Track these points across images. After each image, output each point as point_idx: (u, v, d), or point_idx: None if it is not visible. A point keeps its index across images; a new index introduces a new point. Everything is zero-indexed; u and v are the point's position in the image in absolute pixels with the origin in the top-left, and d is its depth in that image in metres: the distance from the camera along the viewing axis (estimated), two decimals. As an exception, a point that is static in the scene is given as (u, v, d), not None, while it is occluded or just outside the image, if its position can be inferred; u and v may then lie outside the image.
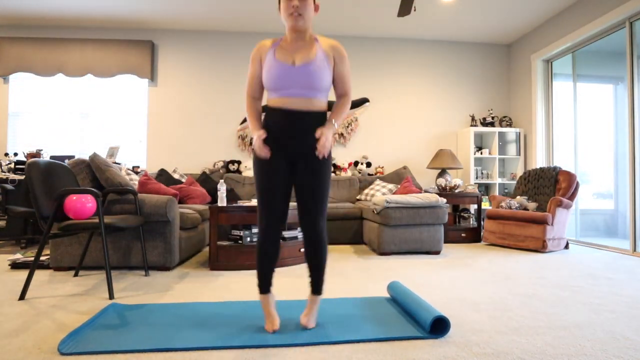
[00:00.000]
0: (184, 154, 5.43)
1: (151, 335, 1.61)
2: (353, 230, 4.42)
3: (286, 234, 3.29)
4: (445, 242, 4.53)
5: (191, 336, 1.60)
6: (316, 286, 1.75)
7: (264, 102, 4.66)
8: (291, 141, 1.65)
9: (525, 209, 4.23)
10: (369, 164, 5.51)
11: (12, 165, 4.26)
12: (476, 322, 1.80)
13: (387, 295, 2.25)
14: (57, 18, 5.07)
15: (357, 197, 5.01)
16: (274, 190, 1.64)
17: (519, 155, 5.47)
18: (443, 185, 4.79)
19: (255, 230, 3.18)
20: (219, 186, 3.26)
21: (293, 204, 3.33)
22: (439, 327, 1.67)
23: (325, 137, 1.57)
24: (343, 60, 1.70)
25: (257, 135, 1.60)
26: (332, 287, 2.46)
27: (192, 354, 1.44)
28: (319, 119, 1.67)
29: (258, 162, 1.67)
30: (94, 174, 2.95)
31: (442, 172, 5.12)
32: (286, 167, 1.67)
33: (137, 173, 4.73)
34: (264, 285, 1.72)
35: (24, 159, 4.42)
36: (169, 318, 1.83)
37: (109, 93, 5.39)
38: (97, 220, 2.26)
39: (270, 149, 1.65)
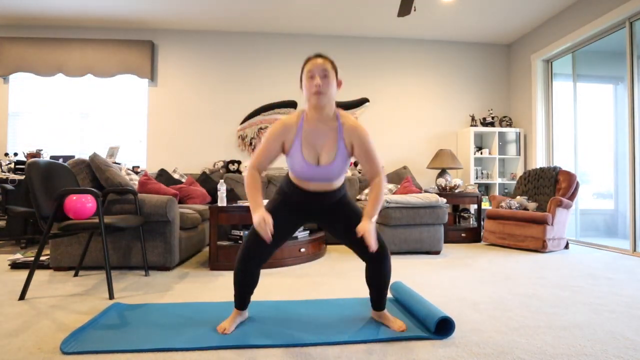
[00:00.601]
0: (184, 154, 5.43)
1: (152, 335, 1.62)
2: (353, 230, 4.41)
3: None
4: (445, 242, 4.53)
5: (191, 336, 1.60)
6: (380, 305, 1.80)
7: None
8: (309, 208, 1.77)
9: (525, 209, 4.23)
10: (369, 164, 5.51)
11: (12, 165, 4.26)
12: (476, 322, 1.80)
13: (388, 296, 2.25)
14: (57, 18, 5.07)
15: (357, 197, 5.01)
16: (268, 241, 1.60)
17: (519, 155, 5.47)
18: (443, 185, 4.79)
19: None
20: (219, 186, 3.26)
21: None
22: (443, 327, 1.67)
23: (369, 233, 1.57)
24: (363, 142, 1.66)
25: (260, 216, 1.55)
26: (333, 288, 2.46)
27: (193, 354, 1.44)
28: (336, 193, 1.78)
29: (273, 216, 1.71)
30: (94, 174, 2.95)
31: (442, 172, 5.12)
32: (294, 221, 1.77)
33: (137, 173, 4.73)
34: (240, 305, 1.76)
35: (24, 159, 4.42)
36: (170, 318, 1.84)
37: (109, 93, 5.39)
38: (97, 220, 2.26)
39: (284, 209, 1.75)
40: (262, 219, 1.54)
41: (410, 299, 1.91)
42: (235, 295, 1.74)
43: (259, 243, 1.68)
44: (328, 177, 1.69)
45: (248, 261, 1.68)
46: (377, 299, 1.78)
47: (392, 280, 2.66)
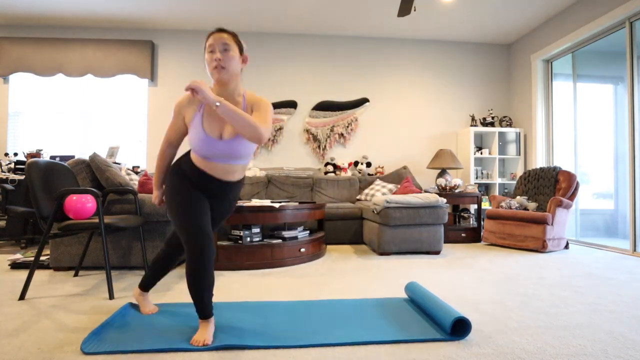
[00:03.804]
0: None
1: (154, 335, 1.61)
2: (353, 230, 4.42)
3: (286, 234, 3.29)
4: (445, 242, 4.53)
5: (191, 336, 1.60)
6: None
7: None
8: (207, 192, 1.70)
9: (525, 209, 4.23)
10: (369, 164, 5.51)
11: (12, 165, 4.26)
12: (476, 322, 1.80)
13: (388, 296, 2.25)
14: (57, 18, 5.07)
15: (357, 197, 5.01)
16: (203, 209, 1.61)
17: (519, 155, 5.47)
18: (443, 185, 4.79)
19: (255, 230, 3.18)
20: (219, 186, 3.25)
21: (292, 204, 3.34)
22: (459, 328, 1.66)
23: (203, 91, 1.44)
24: (260, 106, 1.64)
25: (156, 196, 1.85)
26: (332, 288, 2.46)
27: (193, 354, 1.45)
28: (235, 187, 1.76)
29: (182, 192, 1.62)
30: (94, 174, 2.95)
31: (442, 172, 5.12)
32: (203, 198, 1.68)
33: (137, 173, 4.73)
34: (211, 308, 1.63)
35: (24, 159, 4.42)
36: (172, 318, 1.84)
37: (109, 93, 5.39)
38: (97, 220, 2.26)
39: (188, 185, 1.66)
40: (156, 201, 1.84)
41: (425, 299, 1.90)
42: (207, 302, 1.56)
43: (205, 232, 1.55)
44: (230, 154, 1.61)
45: (210, 257, 1.54)
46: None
47: (392, 280, 2.67)
